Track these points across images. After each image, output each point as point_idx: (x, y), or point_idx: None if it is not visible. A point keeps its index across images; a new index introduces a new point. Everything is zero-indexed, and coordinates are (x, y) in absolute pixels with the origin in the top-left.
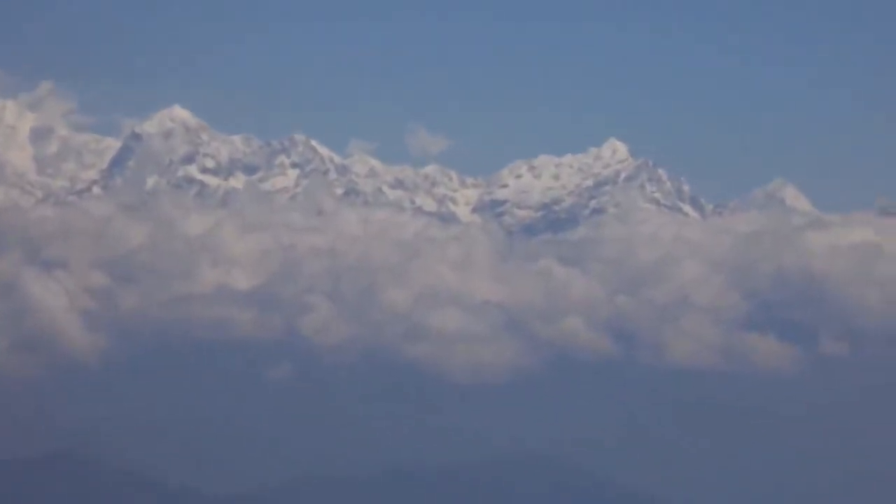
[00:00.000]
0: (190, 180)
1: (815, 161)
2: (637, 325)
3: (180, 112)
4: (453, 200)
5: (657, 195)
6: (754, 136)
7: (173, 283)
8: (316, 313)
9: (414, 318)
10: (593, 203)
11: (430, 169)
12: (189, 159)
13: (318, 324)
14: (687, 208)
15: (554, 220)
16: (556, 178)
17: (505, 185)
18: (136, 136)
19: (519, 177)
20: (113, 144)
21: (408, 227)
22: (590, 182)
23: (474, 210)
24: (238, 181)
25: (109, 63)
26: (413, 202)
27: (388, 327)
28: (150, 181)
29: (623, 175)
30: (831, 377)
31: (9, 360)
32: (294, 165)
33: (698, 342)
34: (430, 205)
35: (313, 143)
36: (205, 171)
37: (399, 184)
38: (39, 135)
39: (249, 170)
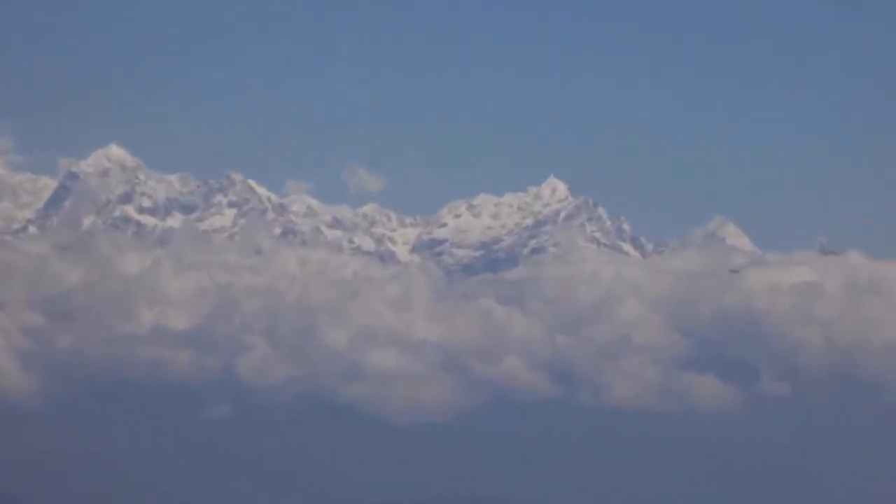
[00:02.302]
0: (127, 220)
1: (755, 200)
2: (577, 366)
3: (117, 151)
4: (392, 240)
5: (597, 234)
6: (694, 175)
7: (110, 323)
8: (253, 353)
9: (352, 357)
10: (533, 242)
11: (369, 208)
12: (126, 199)
13: (256, 364)
14: (627, 247)
15: (493, 260)
16: (496, 217)
17: (444, 225)
18: (73, 176)
19: (458, 216)
20: (49, 184)
21: (346, 267)
22: (529, 221)
23: (413, 250)
24: (175, 220)
25: (45, 102)
26: (351, 242)
27: (326, 367)
28: (87, 221)
29: (563, 214)
30: (772, 417)
31: None
32: (231, 205)
33: (638, 382)
34: (368, 244)
35: (251, 182)
36: (142, 210)
37: (337, 223)
38: None
39: (186, 209)
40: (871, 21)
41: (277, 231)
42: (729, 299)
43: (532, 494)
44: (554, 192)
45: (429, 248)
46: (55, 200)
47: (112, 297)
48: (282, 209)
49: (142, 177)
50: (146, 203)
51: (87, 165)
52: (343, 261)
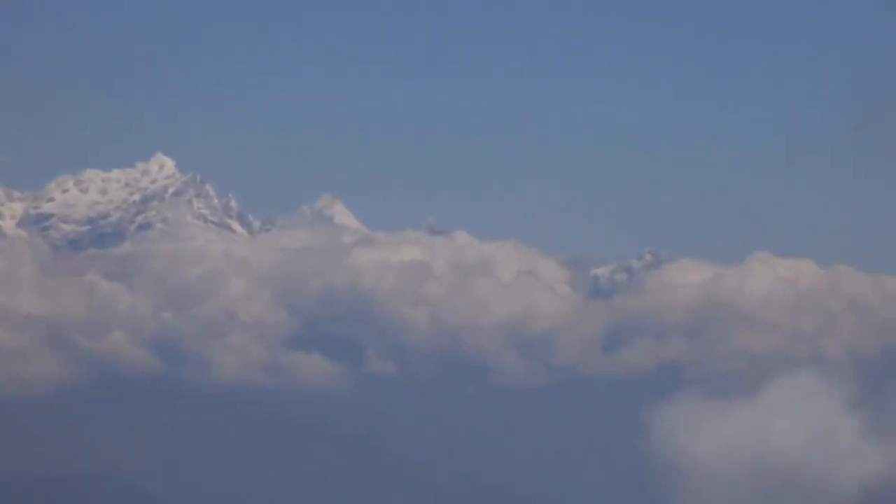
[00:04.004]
0: None
1: (363, 179)
2: (182, 341)
3: None
4: None
5: (205, 211)
6: (302, 152)
7: None
8: None
9: None
10: (140, 218)
11: None
12: None
13: None
14: (235, 224)
15: (100, 235)
16: (104, 192)
17: (51, 199)
18: None
19: (65, 191)
20: None
21: None
22: (137, 197)
23: (20, 224)
24: None
25: None
26: None
27: None
28: None
29: (171, 190)
30: (378, 396)
31: None
32: None
33: (244, 359)
34: None
35: None
36: None
37: None
38: None
39: None
40: None
41: None
42: (336, 278)
43: (136, 468)
44: (162, 168)
45: (36, 222)
46: None
47: None
48: None
49: None
50: None
51: None
52: None
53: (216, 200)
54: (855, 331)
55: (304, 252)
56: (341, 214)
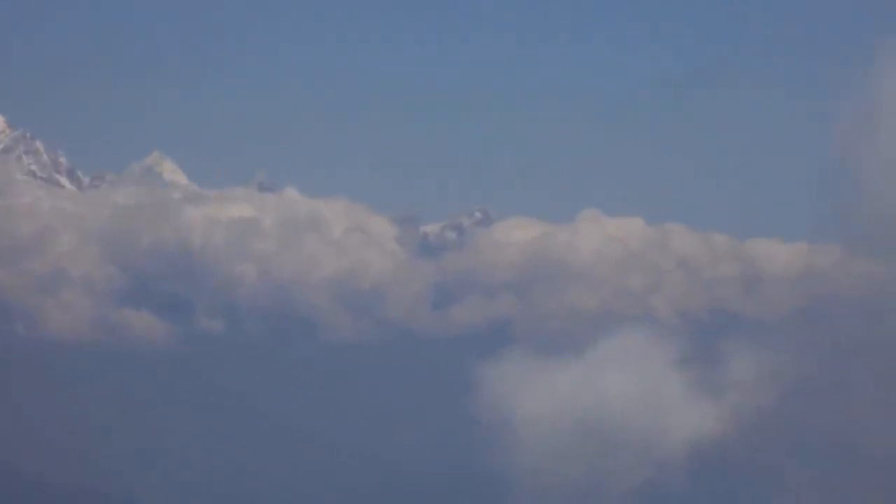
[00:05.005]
0: None
1: (192, 135)
2: (13, 298)
3: None
4: None
5: (34, 167)
6: (130, 108)
7: None
8: None
9: None
10: None
11: None
12: None
13: None
14: (64, 181)
15: None
16: None
17: None
18: None
19: None
20: None
21: None
22: None
23: None
24: None
25: None
26: None
27: None
28: None
29: (0, 147)
30: (207, 352)
31: None
32: None
33: (74, 315)
34: None
35: None
36: None
37: None
38: None
39: None
40: None
41: None
42: (166, 234)
43: None
44: None
45: None
46: None
47: None
48: None
49: None
50: None
51: None
52: None
53: (45, 156)
54: (684, 288)
55: (133, 208)
56: (170, 171)
